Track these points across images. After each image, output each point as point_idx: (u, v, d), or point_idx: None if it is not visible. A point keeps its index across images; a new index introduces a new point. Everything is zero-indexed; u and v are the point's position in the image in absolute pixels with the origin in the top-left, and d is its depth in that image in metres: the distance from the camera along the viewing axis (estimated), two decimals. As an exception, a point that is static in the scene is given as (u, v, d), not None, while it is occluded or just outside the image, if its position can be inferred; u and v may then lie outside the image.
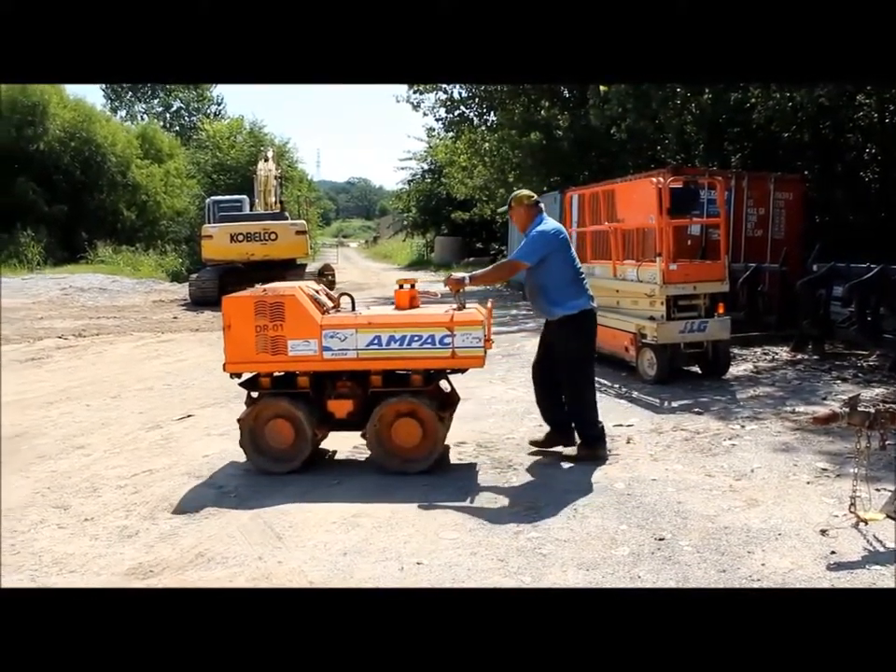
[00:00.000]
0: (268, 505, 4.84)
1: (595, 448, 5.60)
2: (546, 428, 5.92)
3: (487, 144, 22.35)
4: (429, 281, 27.31)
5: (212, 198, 24.32)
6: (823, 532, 4.16)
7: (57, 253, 31.98)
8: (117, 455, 6.07)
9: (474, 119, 22.31)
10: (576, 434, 5.72)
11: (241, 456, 5.75)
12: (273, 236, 18.35)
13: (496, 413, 7.09)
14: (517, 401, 7.50)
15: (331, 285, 18.66)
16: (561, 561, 3.91)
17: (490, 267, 6.00)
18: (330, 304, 5.63)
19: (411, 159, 39.69)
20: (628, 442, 6.03)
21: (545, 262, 5.46)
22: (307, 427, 5.34)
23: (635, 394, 7.79)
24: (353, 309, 5.56)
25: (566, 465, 5.52)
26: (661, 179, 8.16)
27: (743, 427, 6.38)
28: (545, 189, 20.21)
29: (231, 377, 5.55)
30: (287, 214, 20.54)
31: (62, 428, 6.93)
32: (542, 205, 5.71)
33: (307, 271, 19.40)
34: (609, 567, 3.83)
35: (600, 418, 5.68)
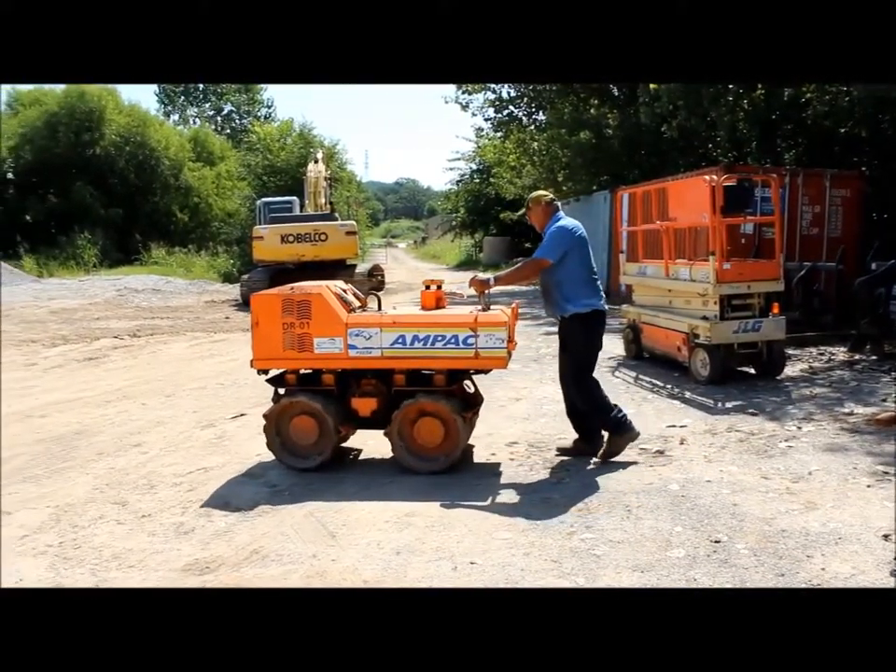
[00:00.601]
0: (321, 503, 4.89)
1: (622, 433, 5.55)
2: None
3: (536, 143, 22.31)
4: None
5: (263, 199, 24.56)
6: (886, 537, 4.06)
7: (112, 255, 32.76)
8: (172, 452, 6.17)
9: (523, 118, 22.29)
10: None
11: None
12: (323, 237, 18.46)
13: (547, 413, 7.06)
14: (568, 402, 7.46)
15: (381, 285, 18.78)
16: (615, 562, 3.88)
17: (514, 267, 5.96)
18: (357, 304, 5.67)
19: (459, 159, 39.80)
20: (682, 443, 5.96)
21: (564, 259, 5.45)
22: (331, 424, 5.39)
23: (688, 394, 7.69)
24: (379, 308, 5.63)
25: (618, 465, 5.46)
26: (714, 177, 8.06)
27: (799, 428, 6.27)
28: (594, 188, 20.09)
29: (258, 373, 5.63)
30: (336, 215, 20.65)
31: (119, 426, 7.07)
32: (559, 204, 5.73)
33: (357, 271, 19.51)
34: (664, 569, 3.79)
35: (616, 404, 5.66)
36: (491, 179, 33.82)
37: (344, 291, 5.65)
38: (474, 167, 39.47)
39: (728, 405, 7.17)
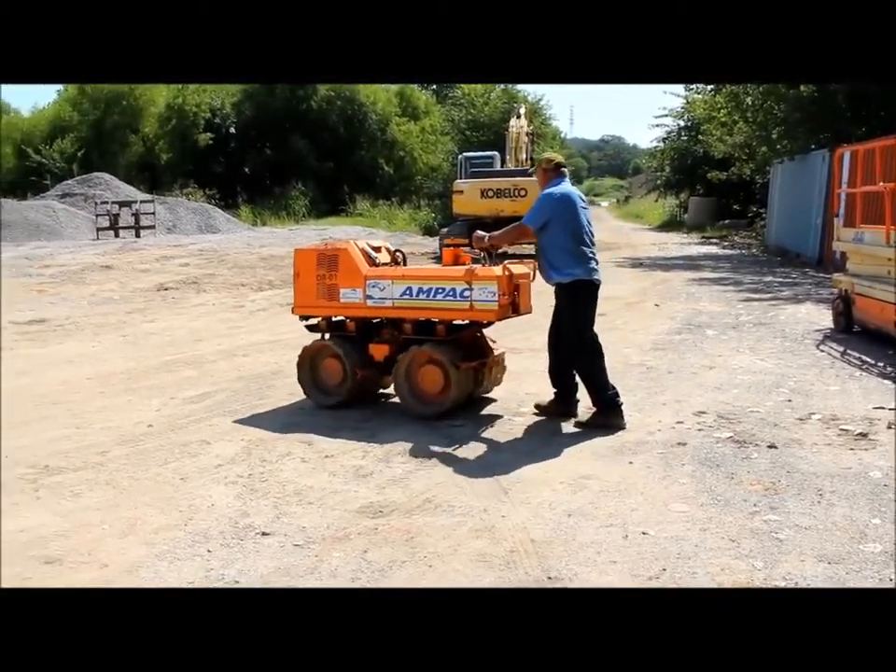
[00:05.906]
0: (498, 459, 4.89)
1: (607, 415, 5.47)
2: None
3: (750, 98, 21.00)
4: (680, 243, 26.23)
5: (464, 154, 24.77)
6: None
7: (321, 206, 34.36)
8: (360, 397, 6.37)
9: (737, 71, 21.04)
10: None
11: (474, 408, 5.94)
12: (522, 193, 18.38)
13: (741, 384, 6.69)
14: (765, 373, 7.05)
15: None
16: (799, 549, 3.61)
17: (506, 228, 6.04)
18: (387, 259, 6.22)
19: (666, 115, 38.02)
20: (889, 427, 5.45)
21: (548, 226, 5.53)
22: (350, 367, 5.95)
23: (902, 374, 7.04)
24: (404, 264, 6.29)
25: (814, 446, 5.08)
26: (951, 135, 7.26)
27: None
28: (813, 146, 18.77)
29: (300, 319, 6.25)
30: (536, 171, 20.49)
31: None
32: (565, 170, 5.84)
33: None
34: (855, 563, 3.47)
35: (613, 383, 5.58)
36: (699, 137, 32.22)
37: (376, 249, 6.21)
38: (682, 124, 37.73)
39: (949, 388, 6.51)
